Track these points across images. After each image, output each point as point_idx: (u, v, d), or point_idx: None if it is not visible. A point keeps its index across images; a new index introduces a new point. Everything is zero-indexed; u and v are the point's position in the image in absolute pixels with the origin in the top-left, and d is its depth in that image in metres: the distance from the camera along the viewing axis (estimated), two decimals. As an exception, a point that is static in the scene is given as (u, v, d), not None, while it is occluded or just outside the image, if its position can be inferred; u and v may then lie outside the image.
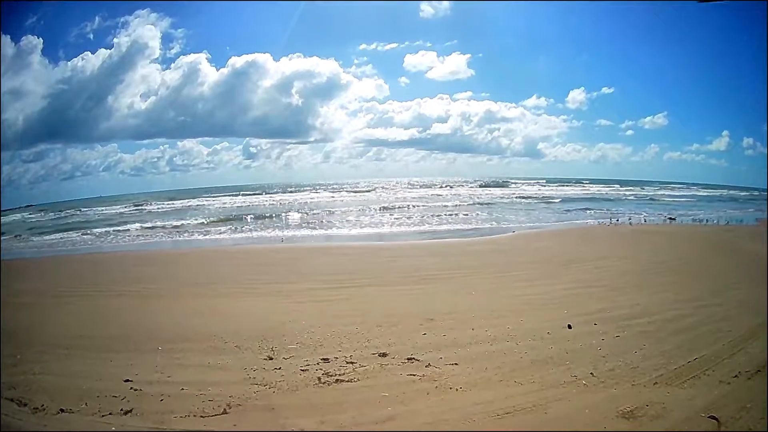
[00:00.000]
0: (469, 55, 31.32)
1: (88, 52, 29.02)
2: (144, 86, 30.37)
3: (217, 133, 37.81)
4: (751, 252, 14.08)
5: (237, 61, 30.26)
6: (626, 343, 6.98)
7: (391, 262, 13.93)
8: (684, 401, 5.26)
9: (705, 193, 38.09)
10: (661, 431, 4.66)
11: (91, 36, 28.63)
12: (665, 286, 10.33)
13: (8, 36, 24.46)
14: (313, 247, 17.12)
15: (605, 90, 32.79)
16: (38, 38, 26.66)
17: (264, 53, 30.33)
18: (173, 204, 31.50)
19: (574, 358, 6.53)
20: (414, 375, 6.19)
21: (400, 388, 5.83)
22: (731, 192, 40.24)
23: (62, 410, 5.26)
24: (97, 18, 28.29)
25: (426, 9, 32.46)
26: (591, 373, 6.03)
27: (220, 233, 21.73)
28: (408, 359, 6.69)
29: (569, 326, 7.68)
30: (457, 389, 5.73)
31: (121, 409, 5.27)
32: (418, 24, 33.07)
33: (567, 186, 38.90)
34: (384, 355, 6.86)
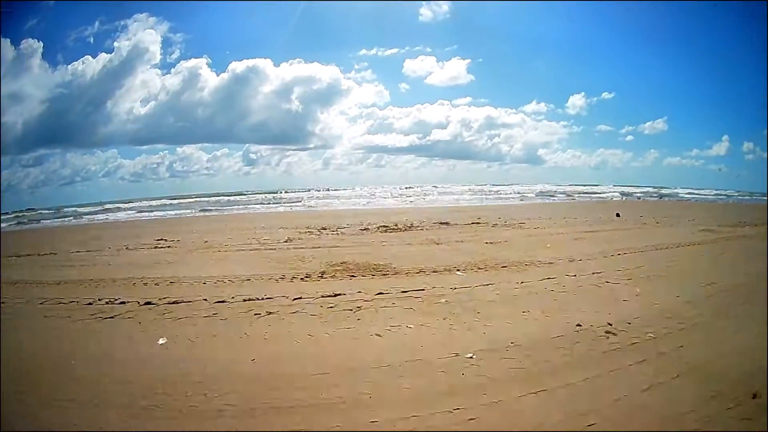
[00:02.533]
0: (468, 60, 32.56)
1: (89, 56, 29.44)
2: (144, 91, 30.56)
3: (217, 139, 38.14)
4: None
5: (237, 66, 30.92)
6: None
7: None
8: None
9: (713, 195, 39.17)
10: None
11: (92, 39, 29.17)
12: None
13: (8, 39, 24.82)
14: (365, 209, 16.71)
15: (605, 95, 34.14)
16: (38, 42, 26.91)
17: (265, 58, 31.13)
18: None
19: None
20: (496, 224, 6.23)
21: (488, 231, 5.83)
22: (732, 194, 41.01)
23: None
24: (97, 22, 29.04)
25: (425, 13, 34.04)
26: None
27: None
28: (477, 221, 6.73)
29: (617, 215, 7.92)
30: (557, 235, 5.76)
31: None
32: (418, 28, 34.41)
33: (596, 186, 40.12)
34: (446, 223, 6.89)
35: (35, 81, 28.52)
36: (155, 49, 30.54)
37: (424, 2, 34.73)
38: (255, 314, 2.99)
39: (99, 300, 3.34)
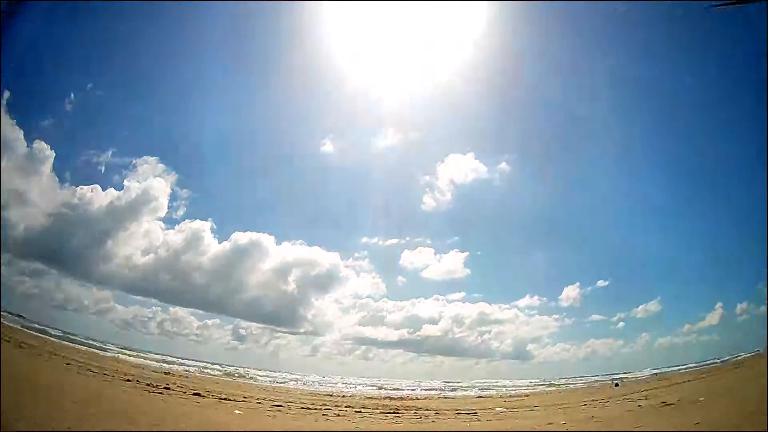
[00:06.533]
0: (467, 253, 34.41)
1: (98, 186, 30.03)
2: (146, 241, 30.37)
3: (210, 308, 35.99)
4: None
5: (240, 237, 31.78)
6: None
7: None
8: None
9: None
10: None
11: (102, 169, 30.23)
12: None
13: (22, 131, 25.95)
14: None
15: (600, 283, 35.46)
16: (51, 150, 27.77)
17: (268, 234, 32.42)
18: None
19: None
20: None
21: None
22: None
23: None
24: (110, 151, 30.32)
25: (428, 201, 37.03)
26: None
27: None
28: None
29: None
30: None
31: None
32: (420, 217, 36.99)
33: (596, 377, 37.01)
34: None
35: (42, 189, 27.76)
36: (163, 201, 31.42)
37: (428, 190, 38.05)
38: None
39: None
